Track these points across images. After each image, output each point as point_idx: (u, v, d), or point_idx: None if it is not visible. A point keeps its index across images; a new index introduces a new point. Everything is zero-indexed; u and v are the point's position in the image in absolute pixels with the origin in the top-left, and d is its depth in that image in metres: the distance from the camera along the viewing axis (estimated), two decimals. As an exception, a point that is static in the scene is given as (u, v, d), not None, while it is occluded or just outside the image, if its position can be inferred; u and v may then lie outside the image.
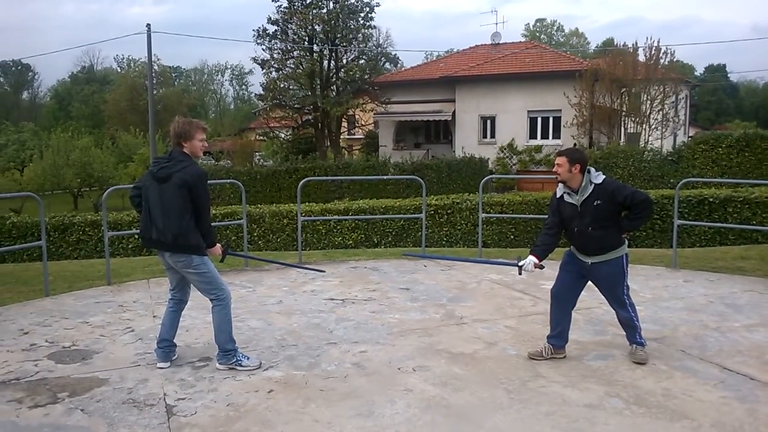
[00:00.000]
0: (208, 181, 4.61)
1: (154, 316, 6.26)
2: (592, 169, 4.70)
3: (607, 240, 4.67)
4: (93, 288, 7.61)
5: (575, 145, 25.65)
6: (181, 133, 4.63)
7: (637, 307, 5.02)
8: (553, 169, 4.73)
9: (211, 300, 4.80)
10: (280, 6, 29.72)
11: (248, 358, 4.87)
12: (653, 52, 25.79)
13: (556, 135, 27.24)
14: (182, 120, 4.74)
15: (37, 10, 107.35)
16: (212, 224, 4.76)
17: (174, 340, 4.98)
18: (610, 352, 5.13)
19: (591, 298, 6.82)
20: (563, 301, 4.96)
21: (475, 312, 6.35)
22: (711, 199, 12.78)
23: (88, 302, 6.88)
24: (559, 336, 4.97)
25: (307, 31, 29.39)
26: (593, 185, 4.61)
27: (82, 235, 13.69)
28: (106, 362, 5.00)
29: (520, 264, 4.79)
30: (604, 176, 4.68)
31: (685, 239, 12.31)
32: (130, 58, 74.77)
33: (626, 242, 4.82)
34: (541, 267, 4.82)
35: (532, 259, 4.77)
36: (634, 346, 4.91)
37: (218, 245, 4.84)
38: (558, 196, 4.80)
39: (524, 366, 4.83)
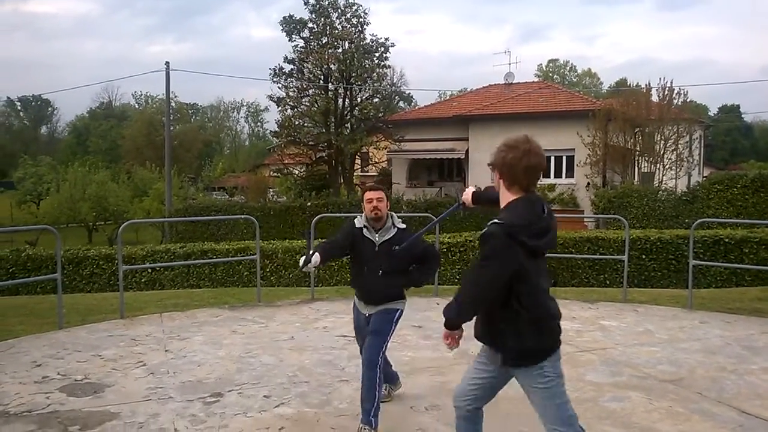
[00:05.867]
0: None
1: (166, 350, 6.25)
2: (392, 213, 4.47)
3: (392, 288, 4.37)
4: (106, 321, 7.63)
5: (588, 184, 25.61)
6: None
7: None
8: (373, 204, 4.33)
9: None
10: (296, 46, 30.30)
11: None
12: (666, 92, 25.85)
13: (570, 174, 27.24)
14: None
15: (59, 49, 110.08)
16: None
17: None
18: (627, 394, 5.05)
19: (606, 339, 6.76)
20: None
21: (489, 351, 6.27)
22: (726, 240, 12.69)
23: (100, 335, 6.90)
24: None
25: (323, 70, 29.83)
26: (396, 229, 4.37)
27: (96, 269, 13.77)
28: (117, 396, 4.98)
29: (309, 257, 4.12)
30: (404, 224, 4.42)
31: (701, 280, 12.19)
32: (148, 94, 76.23)
33: (405, 299, 4.47)
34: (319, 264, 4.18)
35: (317, 258, 4.13)
36: (362, 426, 4.14)
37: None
38: (358, 227, 4.40)
39: (538, 406, 4.75)
